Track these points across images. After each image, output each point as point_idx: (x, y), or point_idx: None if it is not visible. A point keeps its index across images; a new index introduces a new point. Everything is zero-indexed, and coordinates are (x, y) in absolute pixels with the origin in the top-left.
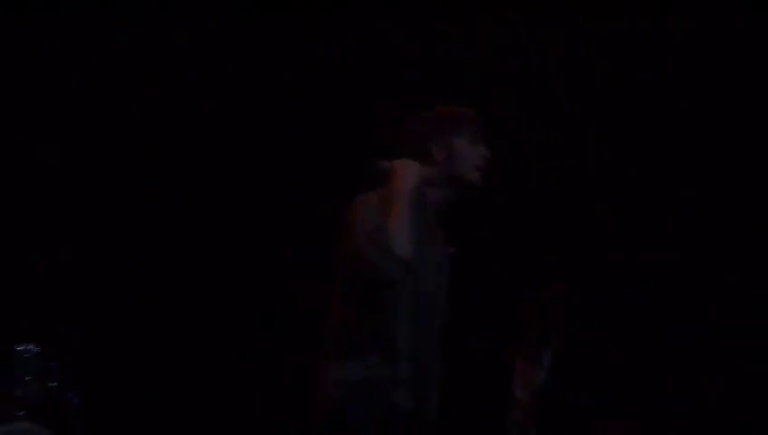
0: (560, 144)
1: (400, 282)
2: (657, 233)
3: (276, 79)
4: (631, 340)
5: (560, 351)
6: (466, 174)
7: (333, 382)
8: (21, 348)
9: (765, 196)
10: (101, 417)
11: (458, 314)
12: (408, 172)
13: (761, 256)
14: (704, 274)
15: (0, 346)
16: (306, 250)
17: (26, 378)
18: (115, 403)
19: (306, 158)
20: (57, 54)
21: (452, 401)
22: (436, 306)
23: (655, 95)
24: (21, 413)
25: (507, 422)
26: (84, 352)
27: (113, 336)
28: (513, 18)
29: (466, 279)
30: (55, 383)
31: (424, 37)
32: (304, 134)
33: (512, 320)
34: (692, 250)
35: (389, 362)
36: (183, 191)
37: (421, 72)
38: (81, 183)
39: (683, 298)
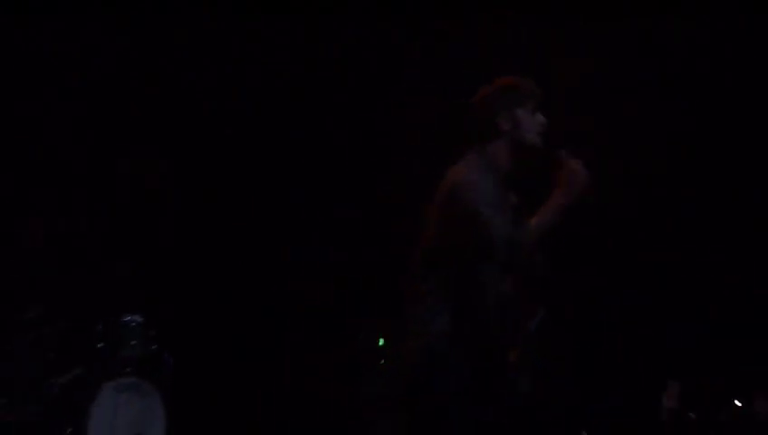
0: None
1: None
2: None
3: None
4: None
5: None
6: (529, 140)
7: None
8: (128, 318)
9: None
10: (190, 373)
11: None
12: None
13: None
14: None
15: (111, 317)
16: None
17: (132, 342)
18: (202, 362)
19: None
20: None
21: None
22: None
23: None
24: (128, 370)
25: None
26: (177, 323)
27: (200, 309)
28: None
29: None
30: (155, 347)
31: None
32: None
33: None
34: None
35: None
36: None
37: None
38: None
39: None
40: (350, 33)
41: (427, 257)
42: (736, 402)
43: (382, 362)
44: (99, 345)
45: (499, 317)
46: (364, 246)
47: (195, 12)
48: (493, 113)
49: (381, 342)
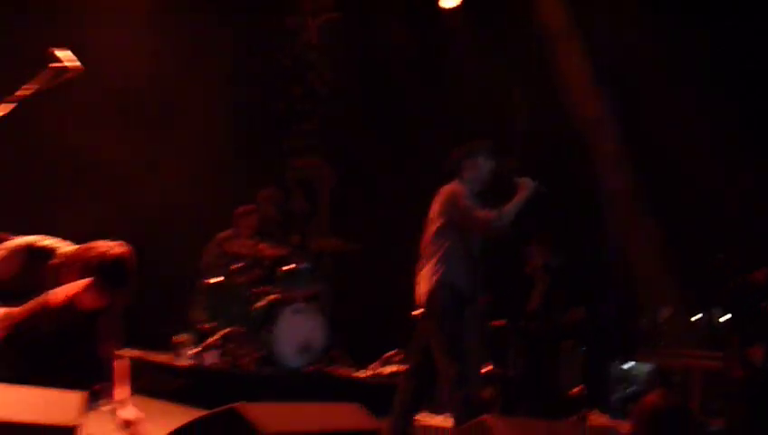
0: None
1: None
2: None
3: None
4: None
5: None
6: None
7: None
8: (301, 266)
9: None
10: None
11: None
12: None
13: None
14: None
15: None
16: None
17: (302, 281)
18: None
19: None
20: None
21: None
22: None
23: None
24: (299, 300)
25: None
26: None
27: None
28: None
29: None
30: (319, 284)
31: None
32: None
33: None
34: None
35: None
36: None
37: None
38: None
39: None
40: None
41: (434, 235)
42: None
43: None
44: (281, 284)
45: (473, 272)
46: None
47: None
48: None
49: None
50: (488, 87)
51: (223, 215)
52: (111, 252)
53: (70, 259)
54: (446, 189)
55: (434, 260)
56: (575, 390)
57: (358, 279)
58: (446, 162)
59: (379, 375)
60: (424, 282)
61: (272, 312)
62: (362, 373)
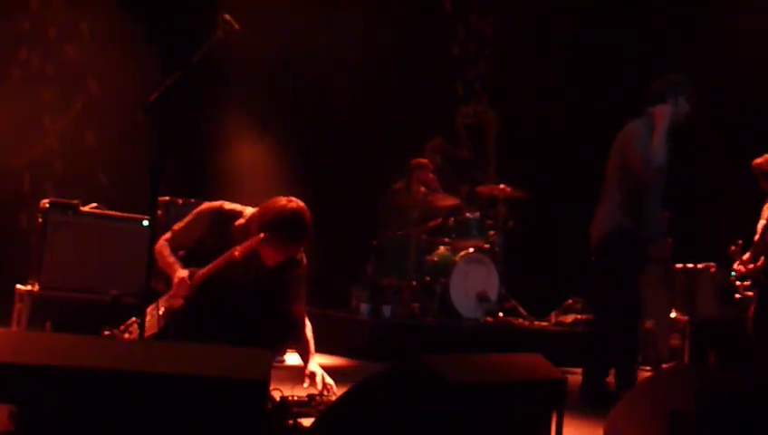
0: None
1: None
2: None
3: None
4: None
5: None
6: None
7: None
8: (470, 216)
9: None
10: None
11: None
12: (665, 113)
13: None
14: None
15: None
16: None
17: (474, 231)
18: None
19: None
20: None
21: None
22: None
23: None
24: (471, 250)
25: None
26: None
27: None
28: None
29: None
30: (491, 234)
31: None
32: None
33: None
34: None
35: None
36: None
37: None
38: None
39: None
40: None
41: (612, 175)
42: None
43: None
44: (452, 235)
45: (655, 215)
46: None
47: None
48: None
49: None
50: None
51: (393, 166)
52: (288, 207)
53: (252, 217)
54: (628, 128)
55: (611, 202)
56: None
57: (530, 226)
58: (647, 92)
59: (561, 323)
60: (600, 225)
61: (445, 263)
62: (542, 322)
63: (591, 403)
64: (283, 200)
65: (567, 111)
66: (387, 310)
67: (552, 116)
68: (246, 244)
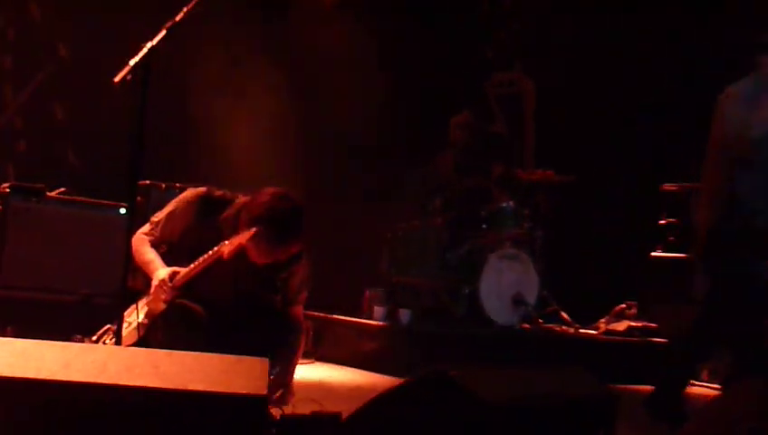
0: None
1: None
2: None
3: None
4: None
5: None
6: None
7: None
8: (504, 205)
9: None
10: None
11: None
12: None
13: None
14: None
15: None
16: None
17: (509, 222)
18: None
19: None
20: None
21: None
22: None
23: None
24: (507, 244)
25: None
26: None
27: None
28: None
29: None
30: (528, 225)
31: None
32: None
33: None
34: None
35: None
36: None
37: None
38: None
39: None
40: None
41: (716, 152)
42: None
43: None
44: (483, 226)
45: None
46: None
47: None
48: None
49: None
50: None
51: (412, 147)
52: (277, 201)
53: (241, 209)
54: (728, 90)
55: (717, 187)
56: None
57: (576, 216)
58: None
59: (612, 332)
60: (702, 214)
61: (475, 259)
62: (589, 330)
63: (666, 420)
64: (272, 193)
65: (626, 77)
66: (405, 314)
67: (608, 84)
68: (235, 239)
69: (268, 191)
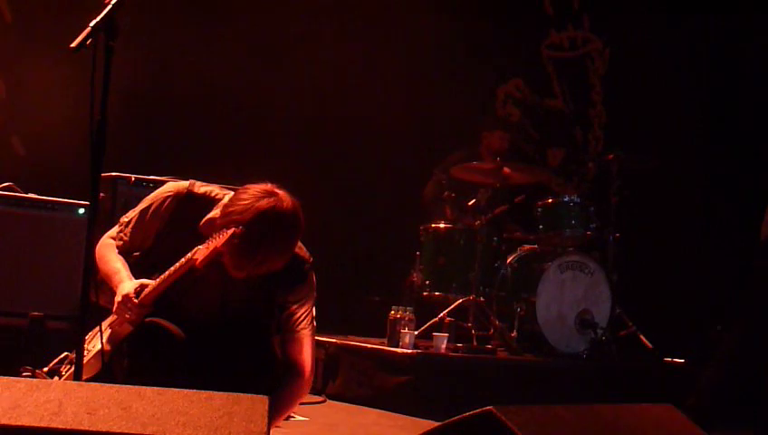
0: None
1: None
2: None
3: None
4: None
5: None
6: None
7: None
8: (566, 199)
9: None
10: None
11: None
12: None
13: None
14: None
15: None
16: None
17: (572, 221)
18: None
19: None
20: None
21: None
22: None
23: None
24: (570, 249)
25: None
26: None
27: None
28: None
29: None
30: (595, 224)
31: None
32: None
33: None
34: None
35: None
36: None
37: None
38: None
39: None
40: None
41: None
42: None
43: None
44: (539, 227)
45: None
46: None
47: None
48: None
49: None
50: None
51: (447, 130)
52: (263, 199)
53: (222, 210)
54: None
55: None
56: None
57: (658, 215)
58: None
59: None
60: None
61: (529, 269)
62: (676, 359)
63: None
64: (256, 188)
65: (721, 44)
66: (441, 340)
67: (697, 52)
68: (210, 243)
69: (251, 187)
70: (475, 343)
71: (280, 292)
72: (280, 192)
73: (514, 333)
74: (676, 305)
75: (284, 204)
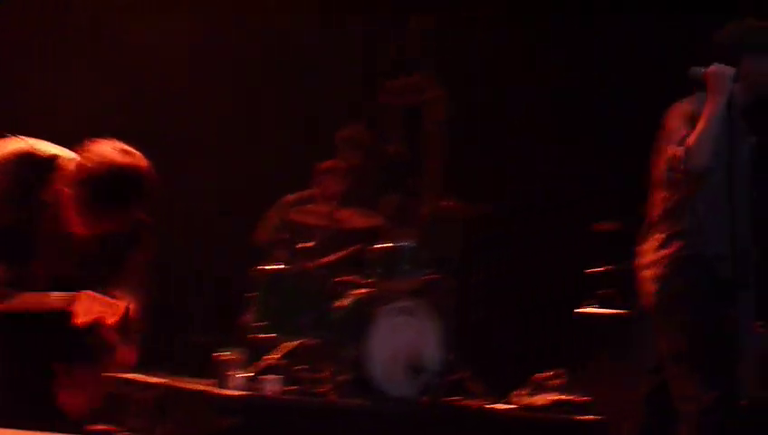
0: None
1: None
2: None
3: None
4: None
5: None
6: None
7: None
8: (400, 244)
9: None
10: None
11: None
12: (721, 77)
13: None
14: None
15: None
16: None
17: (405, 266)
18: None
19: None
20: None
21: None
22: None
23: None
24: (403, 295)
25: None
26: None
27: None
28: None
29: None
30: (429, 270)
31: None
32: None
33: None
34: None
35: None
36: None
37: None
38: None
39: None
40: None
41: (664, 180)
42: None
43: None
44: (373, 271)
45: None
46: None
47: None
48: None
49: None
50: None
51: (290, 174)
52: (108, 159)
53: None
54: (672, 109)
55: (665, 221)
56: None
57: (491, 260)
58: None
59: (531, 407)
60: (649, 257)
61: (362, 313)
62: (503, 404)
63: None
64: (107, 149)
65: (555, 90)
66: (273, 382)
67: (536, 97)
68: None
69: (100, 144)
70: (306, 387)
71: (110, 252)
72: (130, 150)
73: (346, 377)
74: (507, 351)
75: (138, 165)
